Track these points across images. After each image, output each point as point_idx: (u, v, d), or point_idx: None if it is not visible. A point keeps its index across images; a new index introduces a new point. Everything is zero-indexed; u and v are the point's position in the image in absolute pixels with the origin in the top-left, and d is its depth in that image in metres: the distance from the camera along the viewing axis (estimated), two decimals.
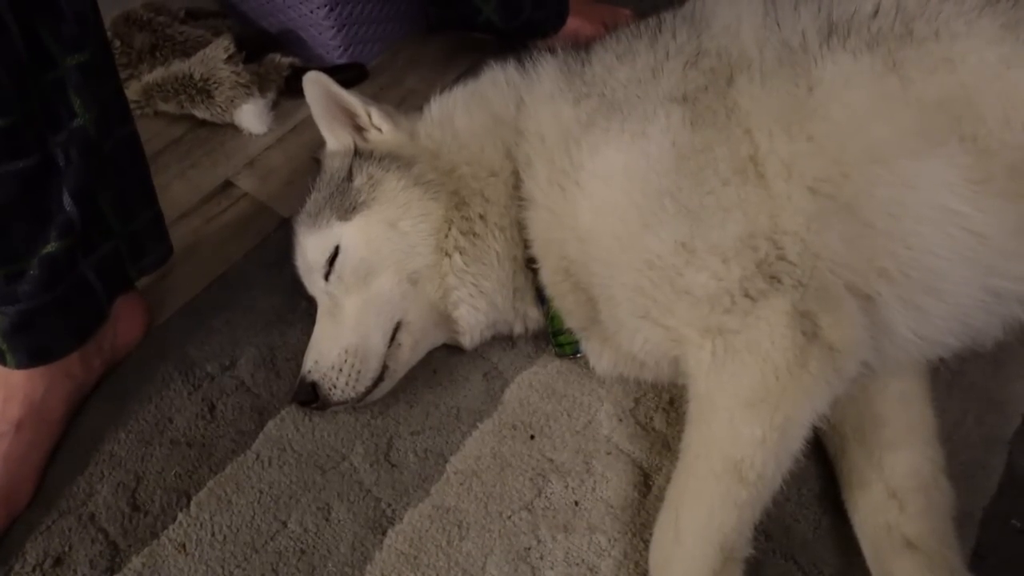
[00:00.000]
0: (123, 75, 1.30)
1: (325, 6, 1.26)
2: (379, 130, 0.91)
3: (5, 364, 0.83)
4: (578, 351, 0.92)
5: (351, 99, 0.90)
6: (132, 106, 1.30)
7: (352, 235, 0.86)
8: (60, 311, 0.84)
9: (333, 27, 1.29)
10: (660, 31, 0.85)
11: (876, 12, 0.80)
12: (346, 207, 0.87)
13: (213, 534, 0.84)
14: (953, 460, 0.79)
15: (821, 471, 0.83)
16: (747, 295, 0.73)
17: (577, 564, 0.79)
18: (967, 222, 0.74)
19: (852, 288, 0.74)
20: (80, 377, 0.91)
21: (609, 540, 0.81)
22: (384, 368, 0.88)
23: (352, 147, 0.91)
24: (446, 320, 0.90)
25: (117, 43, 1.30)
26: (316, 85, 0.91)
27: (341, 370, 0.85)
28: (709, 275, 0.74)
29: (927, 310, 0.76)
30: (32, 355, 0.84)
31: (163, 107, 1.31)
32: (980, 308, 0.79)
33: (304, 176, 1.17)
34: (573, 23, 1.27)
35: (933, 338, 0.79)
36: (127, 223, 0.93)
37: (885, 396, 0.81)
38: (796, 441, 0.72)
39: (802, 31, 0.81)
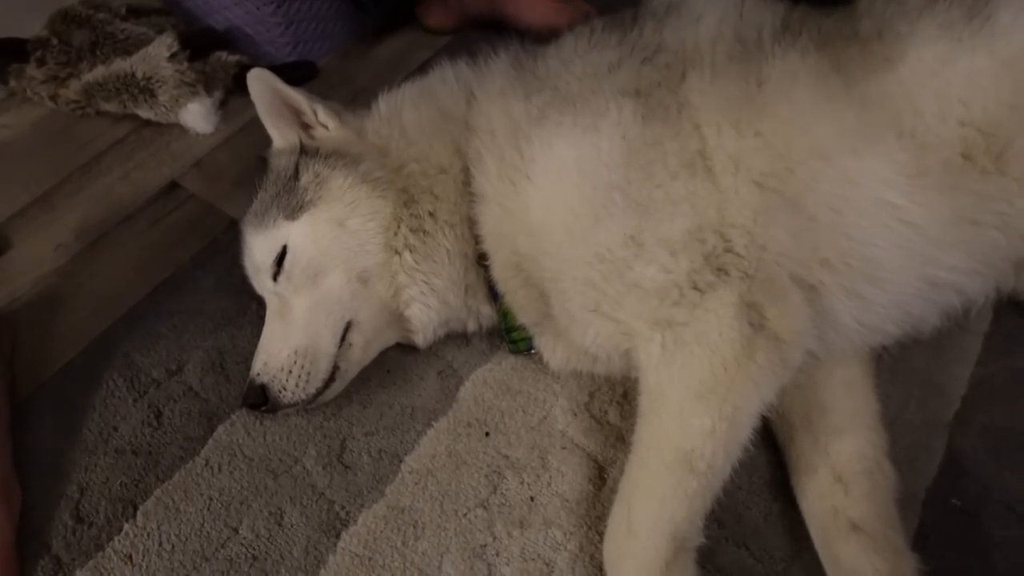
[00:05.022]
0: (62, 74, 1.28)
1: (272, 3, 1.24)
2: (325, 127, 0.89)
3: None
4: (532, 347, 0.92)
5: (296, 96, 0.89)
6: (73, 106, 1.27)
7: (299, 234, 0.85)
8: None
9: (280, 24, 1.27)
10: (632, 25, 0.86)
11: (824, 12, 0.82)
12: (293, 206, 0.85)
13: (161, 544, 0.82)
14: (896, 444, 0.81)
15: (771, 459, 0.85)
16: (695, 287, 0.74)
17: (533, 559, 0.79)
18: (904, 214, 0.77)
19: (797, 279, 0.76)
20: None
21: (565, 534, 0.81)
22: (335, 369, 0.86)
23: (298, 145, 0.89)
24: (398, 319, 0.89)
25: (55, 41, 1.26)
26: (260, 82, 0.89)
27: (291, 371, 0.84)
28: (658, 268, 0.74)
29: (868, 299, 0.79)
30: None
31: (105, 107, 1.27)
32: (918, 296, 0.81)
33: (253, 176, 1.16)
34: (554, 13, 1.28)
35: (875, 326, 0.81)
36: None
37: (830, 384, 0.83)
38: (745, 431, 0.73)
39: (758, 27, 0.83)
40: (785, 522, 0.81)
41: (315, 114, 0.89)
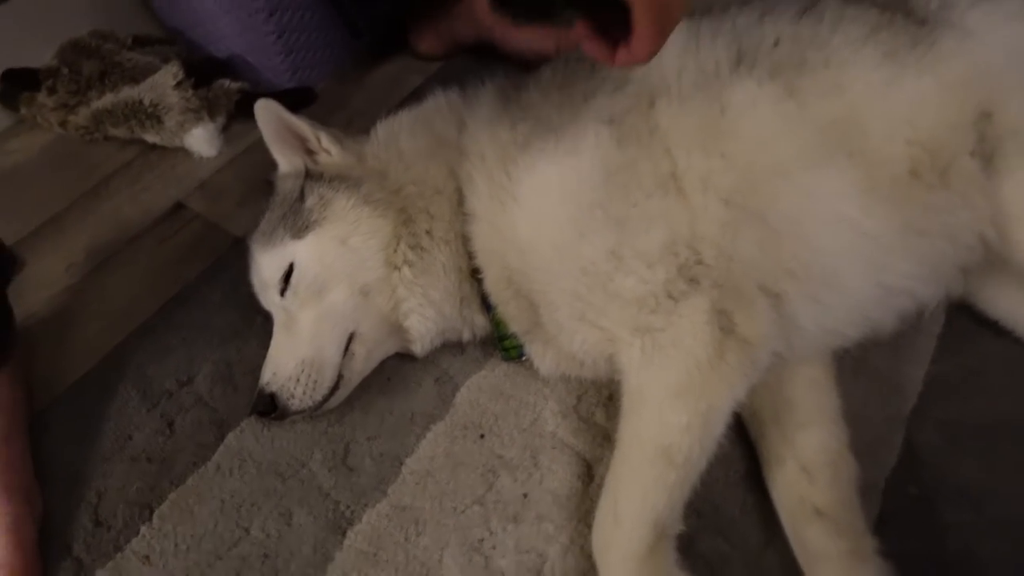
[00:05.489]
0: (72, 102, 1.34)
1: (273, 33, 1.31)
2: (328, 153, 0.96)
3: None
4: (523, 354, 0.98)
5: (301, 124, 0.95)
6: (81, 132, 1.34)
7: (305, 252, 0.91)
8: None
9: (281, 53, 1.34)
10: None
11: (777, 42, 0.90)
12: (299, 226, 0.92)
13: (176, 544, 0.87)
14: (858, 438, 0.87)
15: (744, 454, 0.91)
16: (670, 296, 0.81)
17: (527, 551, 0.85)
18: (858, 226, 0.84)
19: (763, 287, 0.83)
20: None
21: (556, 527, 0.87)
22: (339, 377, 0.93)
23: (303, 169, 0.96)
24: (397, 330, 0.96)
25: (65, 70, 1.33)
26: (268, 112, 0.96)
27: (298, 380, 0.90)
28: (636, 279, 0.81)
29: (828, 304, 0.86)
30: None
31: (113, 132, 1.33)
32: (874, 301, 0.89)
33: (256, 196, 1.22)
34: (541, 40, 1.35)
35: (835, 329, 0.88)
36: None
37: (796, 382, 0.90)
38: (718, 426, 0.79)
39: (716, 60, 0.91)
40: (759, 511, 0.87)
41: (319, 141, 0.96)
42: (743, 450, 0.92)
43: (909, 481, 0.89)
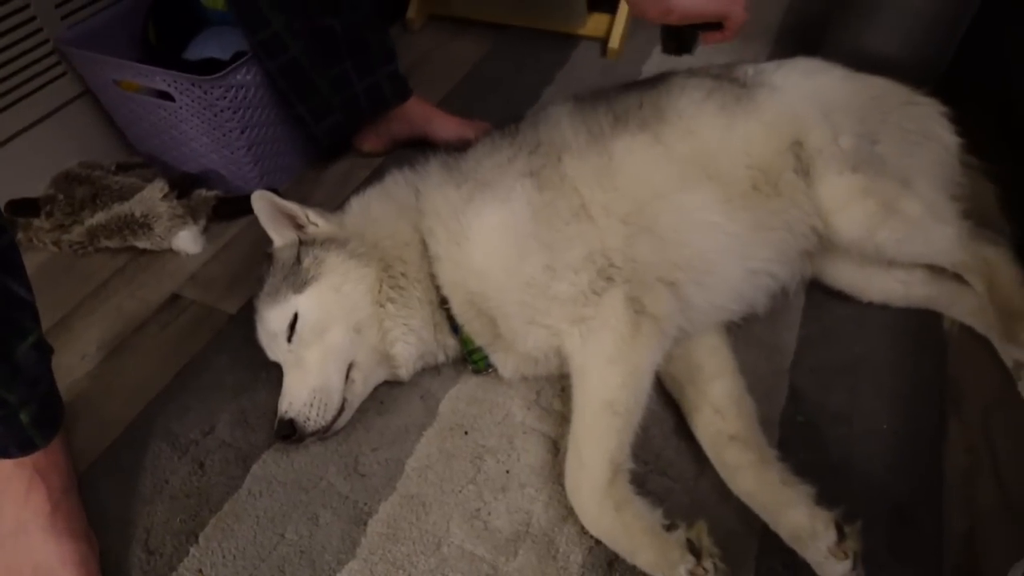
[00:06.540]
0: (67, 222, 1.54)
1: (244, 147, 1.56)
2: (316, 224, 1.20)
3: (35, 448, 1.00)
4: (489, 365, 1.21)
5: (292, 205, 1.20)
6: (76, 247, 1.53)
7: (307, 302, 1.13)
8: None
9: (251, 163, 1.60)
10: (516, 133, 1.24)
11: (640, 106, 1.23)
12: (299, 282, 1.14)
13: (224, 556, 1.03)
14: (754, 387, 1.11)
15: (672, 413, 1.16)
16: (594, 292, 1.07)
17: (516, 512, 1.06)
18: (723, 228, 1.15)
19: (660, 278, 1.10)
20: None
21: (536, 490, 1.08)
22: (343, 401, 1.13)
23: (297, 240, 1.20)
24: (386, 357, 1.17)
25: (60, 196, 1.53)
26: (263, 200, 1.20)
27: (312, 406, 1.10)
28: (568, 284, 1.08)
29: (711, 287, 1.14)
30: (53, 426, 1.02)
31: (106, 243, 1.53)
32: (745, 282, 1.19)
33: (243, 280, 1.44)
34: (461, 130, 1.67)
35: (721, 305, 1.17)
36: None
37: (700, 349, 1.16)
38: (646, 381, 1.04)
39: (600, 123, 1.23)
40: (689, 452, 1.11)
41: (307, 216, 1.20)
42: (670, 411, 1.17)
43: (796, 413, 1.16)
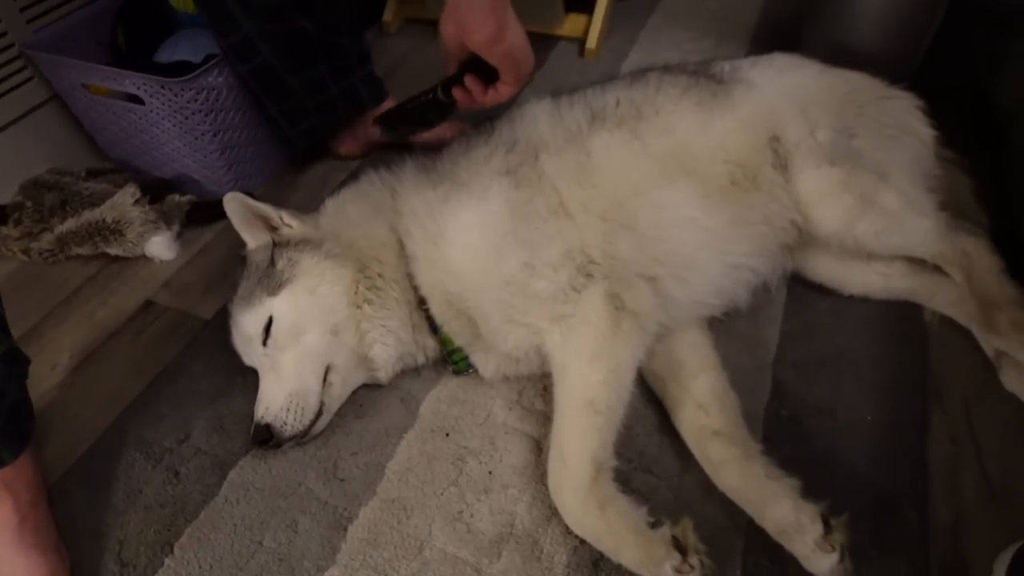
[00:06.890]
0: (36, 230, 1.50)
1: (217, 150, 1.54)
2: (290, 226, 1.18)
3: (2, 465, 0.97)
4: (469, 366, 1.20)
5: (264, 207, 1.18)
6: (45, 255, 1.49)
7: (281, 305, 1.11)
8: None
9: (224, 166, 1.57)
10: (492, 132, 1.23)
11: (618, 103, 1.23)
12: (273, 285, 1.11)
13: (200, 566, 1.00)
14: (738, 382, 1.11)
15: (655, 410, 1.15)
16: (574, 289, 1.06)
17: (499, 513, 1.04)
18: (701, 223, 1.14)
19: (640, 274, 1.09)
20: None
21: (519, 491, 1.07)
22: (321, 404, 1.11)
23: (270, 242, 1.18)
24: (364, 360, 1.16)
25: (29, 203, 1.49)
26: (235, 202, 1.17)
27: (289, 410, 1.07)
28: (547, 281, 1.06)
29: (691, 282, 1.14)
30: (21, 440, 0.99)
31: (77, 250, 1.49)
32: (725, 277, 1.18)
33: (217, 285, 1.42)
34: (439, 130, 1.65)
35: (701, 300, 1.16)
36: None
37: (682, 345, 1.15)
38: (627, 379, 1.03)
39: (577, 121, 1.22)
40: (673, 448, 1.10)
41: (281, 218, 1.18)
42: (653, 408, 1.16)
43: (780, 407, 1.16)
